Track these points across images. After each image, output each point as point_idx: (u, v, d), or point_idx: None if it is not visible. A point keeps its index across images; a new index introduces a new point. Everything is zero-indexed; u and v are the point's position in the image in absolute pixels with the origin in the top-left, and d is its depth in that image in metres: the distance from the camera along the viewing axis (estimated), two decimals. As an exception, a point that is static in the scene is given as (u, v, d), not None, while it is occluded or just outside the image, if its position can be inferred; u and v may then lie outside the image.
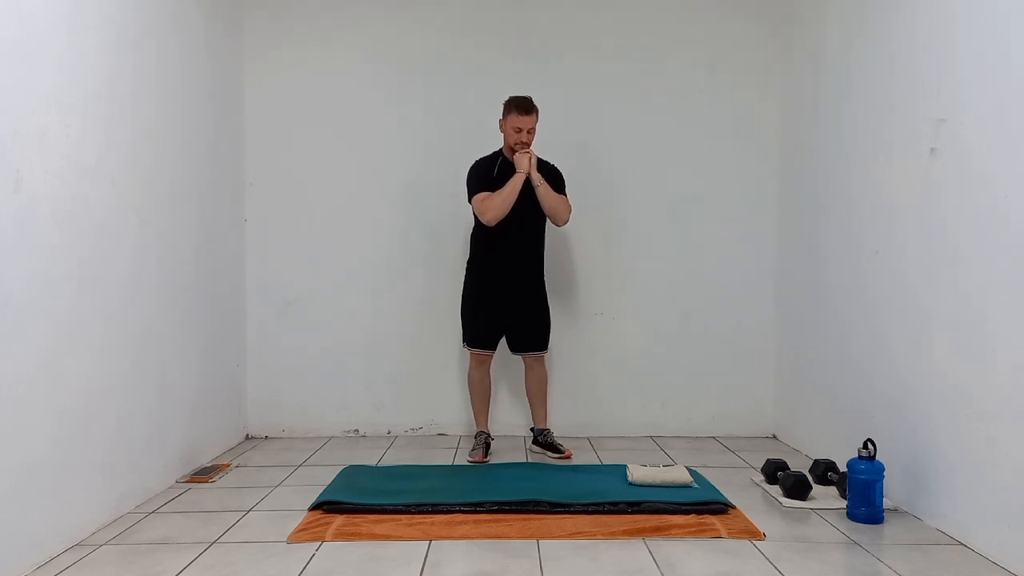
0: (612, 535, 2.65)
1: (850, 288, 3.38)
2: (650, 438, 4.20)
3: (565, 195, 3.74)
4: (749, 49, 4.24)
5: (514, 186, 3.57)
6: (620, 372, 4.27)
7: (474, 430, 3.88)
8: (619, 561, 2.44)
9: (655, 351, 4.27)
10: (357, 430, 4.26)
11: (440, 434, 4.26)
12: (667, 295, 4.27)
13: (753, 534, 2.66)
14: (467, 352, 3.85)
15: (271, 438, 4.22)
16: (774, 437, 4.24)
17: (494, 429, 4.00)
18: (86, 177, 2.68)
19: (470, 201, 3.67)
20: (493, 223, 3.59)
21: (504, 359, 3.96)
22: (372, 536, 2.64)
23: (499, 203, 3.57)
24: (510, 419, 4.19)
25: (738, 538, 2.63)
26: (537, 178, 3.61)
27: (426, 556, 2.48)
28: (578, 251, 4.25)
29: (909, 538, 2.65)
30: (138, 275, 3.04)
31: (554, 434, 3.88)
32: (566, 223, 3.75)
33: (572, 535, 2.65)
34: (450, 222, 4.16)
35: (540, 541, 2.60)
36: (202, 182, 3.66)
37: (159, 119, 3.23)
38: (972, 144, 2.59)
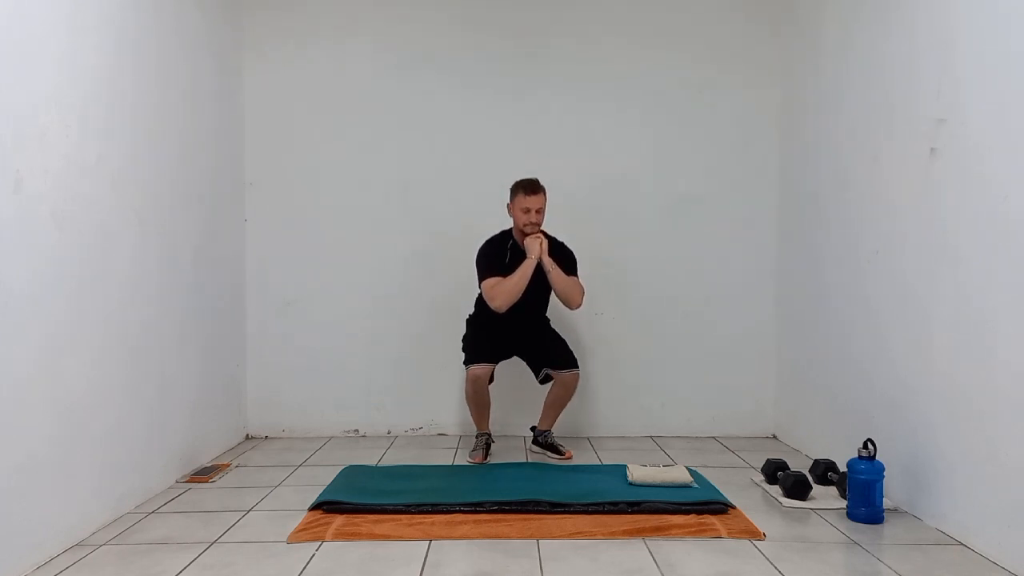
0: (612, 535, 2.65)
1: (850, 288, 3.38)
2: (650, 438, 4.20)
3: (577, 276, 3.69)
4: (749, 49, 4.24)
5: (524, 272, 3.51)
6: (620, 372, 4.27)
7: (474, 430, 3.87)
8: (619, 561, 2.44)
9: (655, 351, 4.27)
10: (357, 430, 4.26)
11: (440, 434, 4.26)
12: (667, 295, 4.27)
13: (753, 534, 2.66)
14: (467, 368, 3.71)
15: (271, 438, 4.22)
16: (774, 437, 4.24)
17: (494, 429, 3.99)
18: (86, 177, 2.68)
19: (479, 283, 3.62)
20: (503, 310, 3.52)
21: (509, 362, 3.94)
22: (372, 536, 2.64)
23: (509, 289, 3.50)
24: (510, 419, 4.19)
25: (738, 538, 2.63)
26: (548, 263, 3.55)
27: (426, 556, 2.48)
28: (578, 251, 4.24)
29: (909, 538, 2.65)
30: (138, 275, 3.04)
31: (554, 435, 3.87)
32: (580, 306, 3.68)
33: (572, 535, 2.65)
34: (450, 221, 4.17)
35: (540, 541, 2.60)
36: (202, 182, 3.66)
37: (159, 119, 3.23)
38: (972, 144, 2.59)
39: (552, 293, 3.70)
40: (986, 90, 2.52)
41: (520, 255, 3.60)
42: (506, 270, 3.57)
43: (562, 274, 3.60)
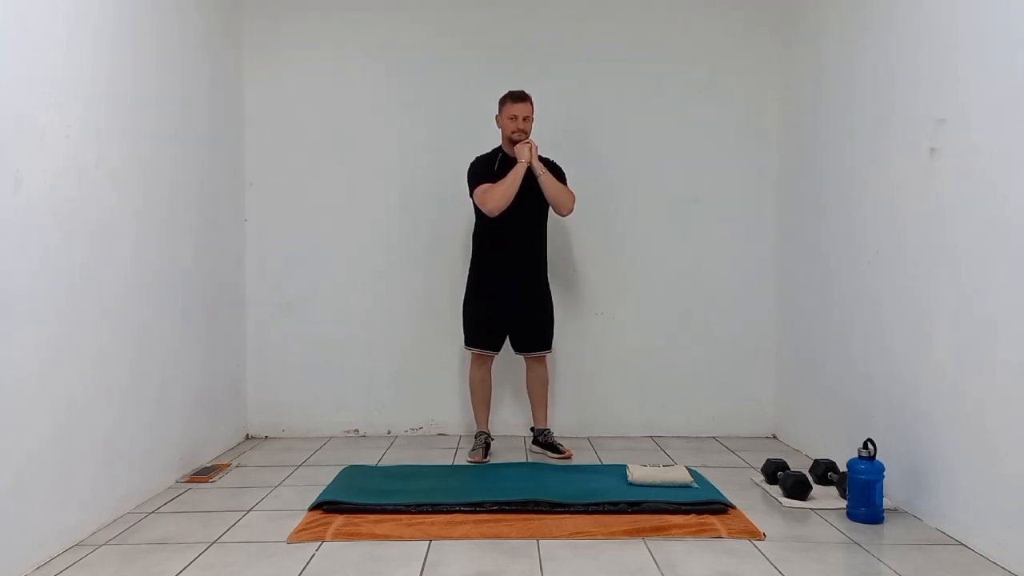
0: (612, 535, 2.65)
1: (850, 288, 3.38)
2: (650, 438, 4.20)
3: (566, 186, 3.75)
4: (749, 49, 4.24)
5: (516, 175, 3.55)
6: (620, 372, 4.27)
7: (474, 430, 3.88)
8: (619, 561, 2.44)
9: (655, 351, 4.27)
10: (357, 430, 4.26)
11: (440, 434, 4.26)
12: (667, 295, 4.27)
13: (753, 534, 2.66)
14: (468, 352, 3.85)
15: (271, 438, 4.22)
16: (774, 437, 4.24)
17: (494, 429, 4.00)
18: (86, 177, 2.68)
19: (471, 195, 3.66)
20: (495, 213, 3.56)
21: (505, 359, 3.95)
22: (372, 536, 2.64)
23: (501, 192, 3.55)
24: (510, 419, 4.19)
25: (738, 538, 2.63)
26: (539, 167, 3.60)
27: (426, 556, 2.48)
28: (578, 251, 4.25)
29: (909, 538, 2.65)
30: (138, 275, 3.04)
31: (554, 434, 3.88)
32: (571, 212, 3.72)
33: (572, 535, 2.65)
34: (450, 222, 4.17)
35: (540, 541, 2.60)
36: (202, 182, 3.66)
37: (159, 119, 3.23)
38: (972, 144, 2.59)
39: (546, 223, 3.77)
40: (986, 90, 2.52)
41: (509, 164, 3.62)
42: (496, 179, 3.60)
43: (553, 179, 3.64)
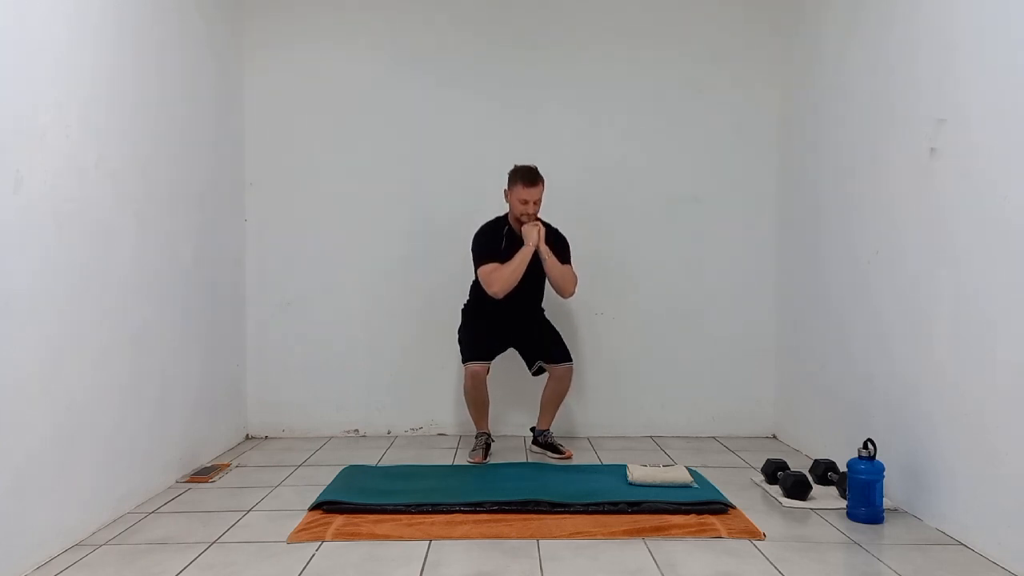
0: (612, 535, 2.65)
1: (850, 288, 3.38)
2: (650, 438, 4.20)
3: (570, 264, 3.72)
4: (749, 49, 4.24)
5: (522, 259, 3.54)
6: (620, 372, 4.27)
7: (474, 430, 3.87)
8: (619, 561, 2.44)
9: (655, 351, 4.27)
10: (357, 430, 4.26)
11: (440, 434, 4.26)
12: (667, 295, 4.27)
13: (753, 534, 2.66)
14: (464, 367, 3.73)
15: (271, 438, 4.22)
16: (774, 437, 4.24)
17: (494, 429, 3.99)
18: (86, 177, 2.68)
19: (476, 268, 3.64)
20: (500, 296, 3.55)
21: (507, 359, 3.95)
22: (372, 536, 2.64)
23: (507, 276, 3.53)
24: (510, 419, 4.19)
25: (738, 538, 2.63)
26: (545, 251, 3.58)
27: (426, 556, 2.48)
28: (578, 251, 4.23)
29: (909, 538, 2.65)
30: (138, 275, 3.04)
31: (554, 434, 3.88)
32: (572, 295, 3.72)
33: (572, 535, 2.65)
34: (450, 222, 4.16)
35: (540, 541, 2.60)
36: (202, 182, 3.66)
37: (159, 119, 3.23)
38: (972, 144, 2.58)
39: (547, 281, 3.73)
40: (986, 90, 2.52)
41: (515, 241, 3.62)
42: (502, 256, 3.59)
43: (557, 263, 3.63)
